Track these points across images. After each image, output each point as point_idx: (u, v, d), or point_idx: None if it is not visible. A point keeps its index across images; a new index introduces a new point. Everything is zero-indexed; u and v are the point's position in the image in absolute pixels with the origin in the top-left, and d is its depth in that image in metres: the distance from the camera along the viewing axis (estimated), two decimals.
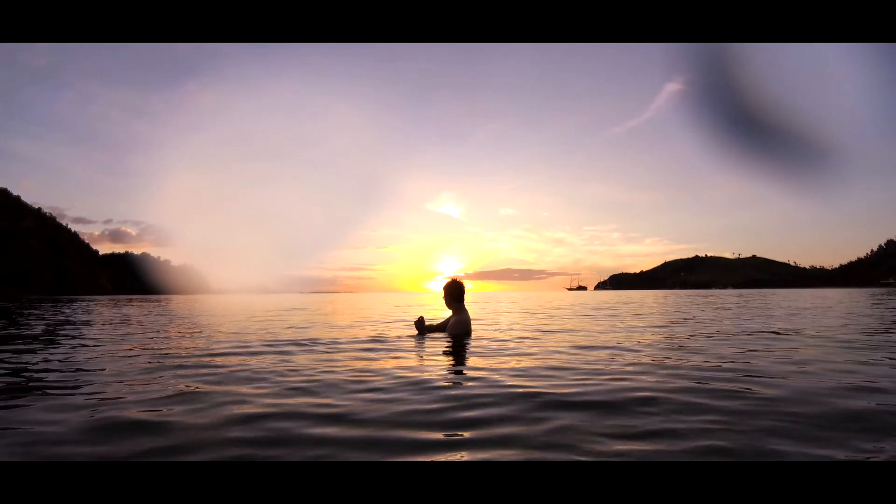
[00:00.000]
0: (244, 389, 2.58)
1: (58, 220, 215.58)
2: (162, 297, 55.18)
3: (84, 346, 4.67)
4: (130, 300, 31.87)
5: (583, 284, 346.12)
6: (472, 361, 3.46)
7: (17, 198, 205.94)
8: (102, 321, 8.71)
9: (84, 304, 21.41)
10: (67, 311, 12.77)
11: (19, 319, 9.25)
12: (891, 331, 5.59)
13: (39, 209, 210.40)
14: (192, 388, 2.62)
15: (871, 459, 1.57)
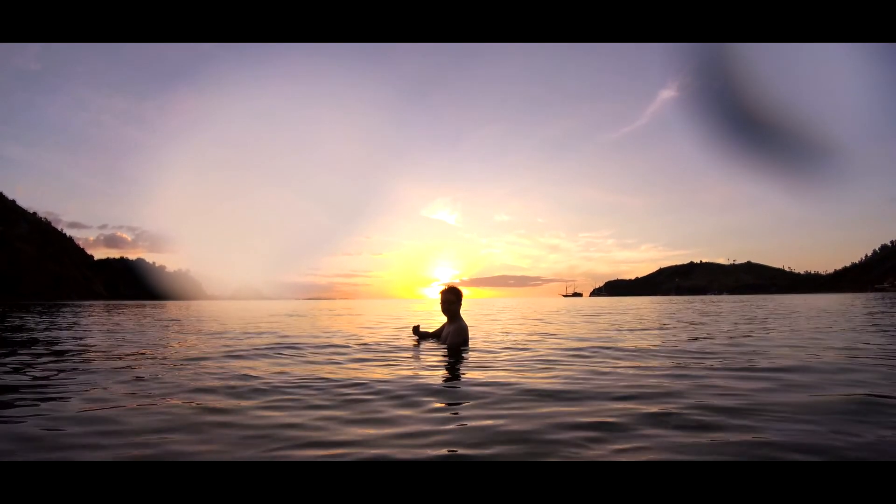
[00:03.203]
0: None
1: (53, 224, 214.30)
2: (157, 303, 54.64)
3: None
4: (120, 306, 31.33)
5: (578, 291, 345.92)
6: (470, 374, 3.36)
7: (13, 202, 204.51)
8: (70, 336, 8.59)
9: (65, 310, 21.20)
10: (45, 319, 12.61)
11: None
12: None
13: (35, 214, 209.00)
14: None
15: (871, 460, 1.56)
